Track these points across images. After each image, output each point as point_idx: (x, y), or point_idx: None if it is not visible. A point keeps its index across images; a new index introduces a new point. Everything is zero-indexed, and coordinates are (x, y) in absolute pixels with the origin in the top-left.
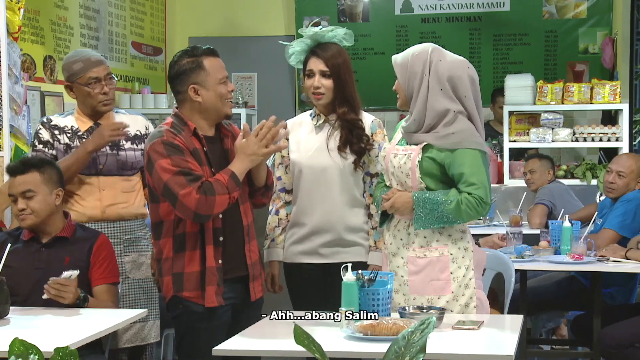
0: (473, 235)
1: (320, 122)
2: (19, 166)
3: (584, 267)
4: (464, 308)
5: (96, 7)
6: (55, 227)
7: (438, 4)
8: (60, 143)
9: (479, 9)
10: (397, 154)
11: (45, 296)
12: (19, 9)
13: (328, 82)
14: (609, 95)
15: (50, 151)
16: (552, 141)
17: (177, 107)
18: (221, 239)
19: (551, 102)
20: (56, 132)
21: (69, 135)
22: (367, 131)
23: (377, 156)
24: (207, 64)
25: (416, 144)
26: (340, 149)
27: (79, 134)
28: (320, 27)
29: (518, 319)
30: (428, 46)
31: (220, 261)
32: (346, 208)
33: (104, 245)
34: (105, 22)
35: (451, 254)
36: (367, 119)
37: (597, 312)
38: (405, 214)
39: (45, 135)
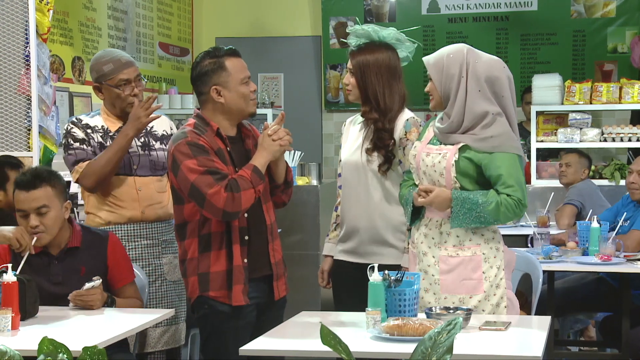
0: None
1: (362, 120)
2: (31, 180)
3: (613, 268)
4: (495, 308)
5: (124, 8)
6: (64, 237)
7: (465, 4)
8: (95, 141)
9: (507, 9)
10: (429, 152)
11: (71, 305)
12: (48, 10)
13: (353, 80)
14: (638, 95)
15: (88, 148)
16: (580, 141)
17: (198, 108)
18: (246, 238)
19: (579, 102)
20: (89, 130)
21: (101, 134)
22: (400, 130)
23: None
24: (229, 64)
25: (452, 144)
26: (368, 151)
27: (110, 134)
28: (360, 25)
29: (546, 320)
30: (462, 47)
31: (246, 260)
32: (382, 208)
33: (116, 245)
34: (133, 23)
35: (483, 254)
36: (403, 117)
37: (626, 313)
38: (441, 210)
39: (79, 133)
